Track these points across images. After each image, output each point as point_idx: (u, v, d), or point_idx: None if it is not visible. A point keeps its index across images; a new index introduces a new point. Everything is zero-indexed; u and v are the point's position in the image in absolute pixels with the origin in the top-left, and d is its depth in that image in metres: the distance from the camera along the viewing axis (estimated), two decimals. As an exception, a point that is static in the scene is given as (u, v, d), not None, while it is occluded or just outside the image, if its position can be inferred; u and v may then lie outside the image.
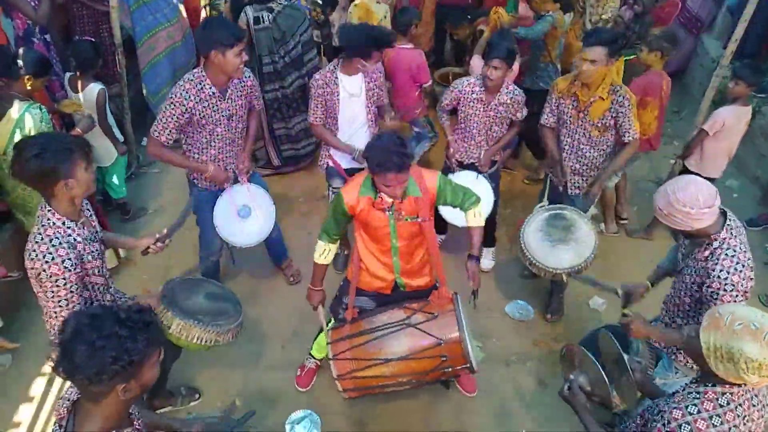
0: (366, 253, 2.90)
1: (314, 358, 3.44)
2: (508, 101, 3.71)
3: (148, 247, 2.66)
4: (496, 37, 3.87)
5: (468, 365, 2.78)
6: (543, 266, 3.23)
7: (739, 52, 4.83)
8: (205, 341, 2.55)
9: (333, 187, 3.94)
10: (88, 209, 2.45)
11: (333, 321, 3.11)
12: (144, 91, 5.08)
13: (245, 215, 3.50)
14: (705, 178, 4.13)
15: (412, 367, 2.80)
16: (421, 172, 2.73)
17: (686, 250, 2.53)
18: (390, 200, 2.66)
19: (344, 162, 3.81)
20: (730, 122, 4.08)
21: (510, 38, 3.91)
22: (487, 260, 4.34)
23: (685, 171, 4.42)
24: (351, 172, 3.83)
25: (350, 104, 3.63)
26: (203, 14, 6.13)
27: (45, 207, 2.25)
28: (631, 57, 6.12)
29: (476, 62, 4.44)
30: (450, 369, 2.82)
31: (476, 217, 2.88)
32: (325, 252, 2.92)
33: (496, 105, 3.71)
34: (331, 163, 3.85)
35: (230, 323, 2.67)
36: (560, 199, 3.69)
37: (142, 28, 4.89)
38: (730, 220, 2.34)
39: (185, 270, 4.00)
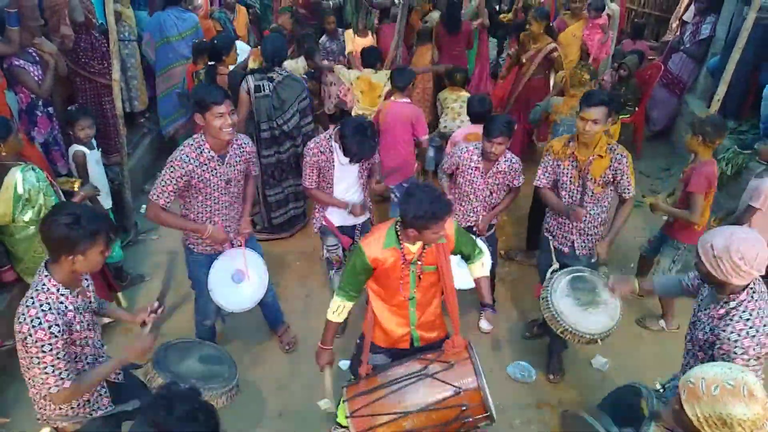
0: (381, 308, 2.85)
1: (342, 426, 3.32)
2: (506, 169, 3.81)
3: (144, 321, 2.62)
4: (493, 116, 3.93)
5: (488, 414, 2.74)
6: (580, 333, 3.10)
7: (721, 111, 4.99)
8: None
9: (328, 246, 3.98)
10: (86, 279, 2.45)
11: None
12: (159, 115, 6.16)
13: (238, 280, 3.49)
14: None
15: (433, 418, 2.73)
16: None
17: (702, 303, 2.47)
18: (415, 251, 2.68)
19: (336, 219, 3.88)
20: None
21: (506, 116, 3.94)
22: (487, 322, 4.30)
23: None
24: (343, 230, 3.92)
25: (344, 170, 3.73)
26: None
27: (43, 271, 2.26)
28: (626, 116, 6.32)
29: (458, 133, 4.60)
30: (470, 419, 2.75)
31: (483, 267, 2.93)
32: (339, 309, 2.86)
33: (494, 173, 3.81)
34: (324, 222, 3.91)
35: (224, 387, 2.61)
36: (568, 261, 3.65)
37: (163, 61, 6.03)
38: (755, 283, 2.28)
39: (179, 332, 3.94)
